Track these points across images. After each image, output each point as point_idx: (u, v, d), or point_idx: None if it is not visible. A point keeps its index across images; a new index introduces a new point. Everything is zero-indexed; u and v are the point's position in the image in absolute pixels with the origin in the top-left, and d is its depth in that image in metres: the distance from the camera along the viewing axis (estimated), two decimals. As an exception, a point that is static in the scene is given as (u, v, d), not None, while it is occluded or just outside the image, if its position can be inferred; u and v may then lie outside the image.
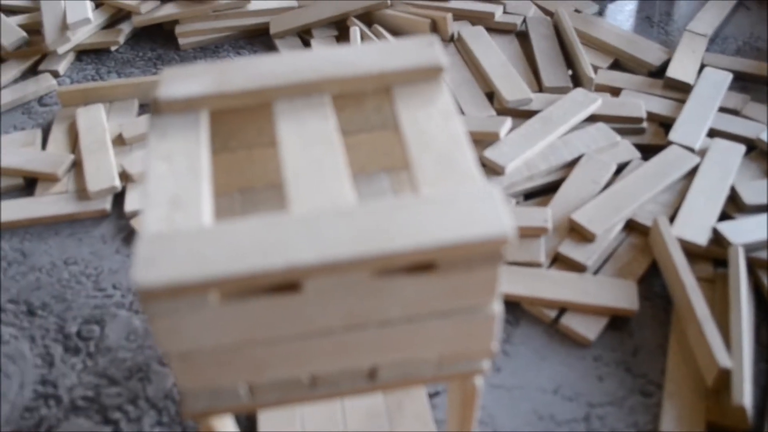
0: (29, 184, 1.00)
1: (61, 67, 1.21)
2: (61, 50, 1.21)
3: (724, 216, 0.89)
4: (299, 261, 0.36)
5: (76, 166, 1.00)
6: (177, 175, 0.43)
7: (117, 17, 1.30)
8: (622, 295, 0.80)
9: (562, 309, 0.80)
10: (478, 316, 0.43)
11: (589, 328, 0.78)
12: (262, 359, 0.42)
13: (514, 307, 0.82)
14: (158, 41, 1.28)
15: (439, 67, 0.50)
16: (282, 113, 0.48)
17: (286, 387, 0.45)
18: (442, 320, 0.42)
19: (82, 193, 0.96)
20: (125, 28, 1.28)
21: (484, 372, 0.47)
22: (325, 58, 0.50)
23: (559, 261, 0.85)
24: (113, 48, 1.26)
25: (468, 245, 0.37)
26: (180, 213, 0.40)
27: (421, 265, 0.39)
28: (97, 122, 1.05)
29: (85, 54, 1.26)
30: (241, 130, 0.54)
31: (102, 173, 0.97)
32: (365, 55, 0.50)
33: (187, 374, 0.42)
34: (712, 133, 1.00)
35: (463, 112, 1.02)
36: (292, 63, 0.50)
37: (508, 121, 0.97)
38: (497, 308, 0.43)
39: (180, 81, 0.49)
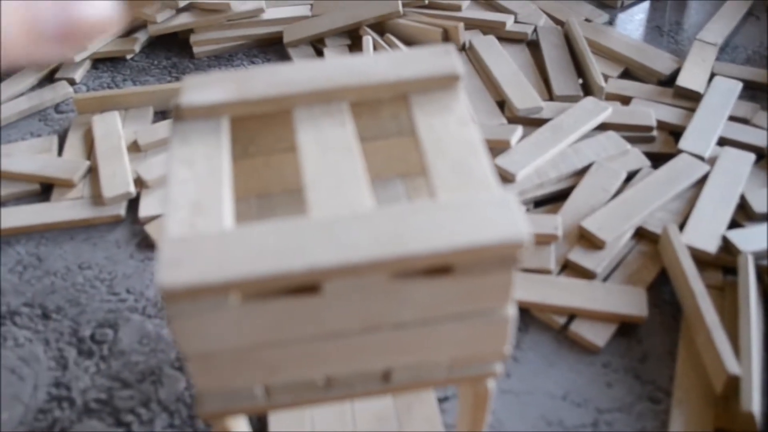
0: (45, 189, 1.01)
1: (78, 75, 1.22)
2: (77, 58, 1.23)
3: (733, 224, 0.89)
4: (319, 263, 0.37)
5: (92, 172, 1.02)
6: (198, 179, 0.44)
7: (133, 26, 1.32)
8: (632, 302, 0.81)
9: (572, 315, 0.81)
10: (492, 319, 0.43)
11: (598, 335, 0.79)
12: (279, 360, 0.43)
13: (524, 313, 0.82)
14: (173, 50, 1.30)
15: (456, 75, 0.50)
16: (301, 120, 0.49)
17: (301, 388, 0.46)
18: (456, 323, 0.43)
19: (97, 198, 0.98)
20: (141, 37, 1.29)
21: (497, 375, 0.48)
22: (343, 67, 0.51)
23: (568, 268, 0.86)
24: (129, 56, 1.27)
25: (484, 249, 0.38)
26: (201, 217, 0.41)
27: (438, 268, 0.40)
28: (112, 129, 1.07)
29: (101, 62, 1.27)
30: (260, 136, 0.55)
31: (117, 179, 0.98)
32: (383, 63, 0.51)
33: (205, 375, 0.43)
34: (722, 142, 1.00)
35: (474, 121, 1.03)
36: (311, 71, 0.51)
37: (519, 129, 0.98)
38: (511, 312, 0.44)
39: (202, 88, 0.50)
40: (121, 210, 0.96)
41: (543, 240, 0.86)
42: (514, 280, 0.41)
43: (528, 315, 0.82)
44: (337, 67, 0.50)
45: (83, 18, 0.35)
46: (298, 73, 0.51)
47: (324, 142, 0.47)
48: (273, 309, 0.39)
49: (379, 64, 0.50)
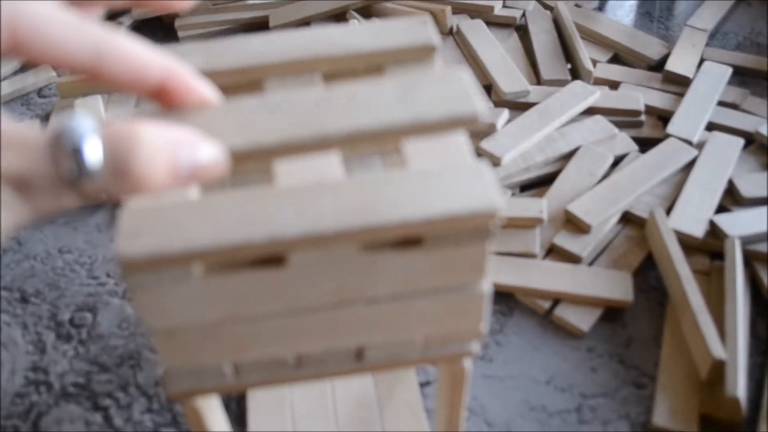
0: (25, 172, 0.99)
1: (60, 58, 1.20)
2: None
3: (721, 209, 0.88)
4: (283, 233, 0.36)
5: (72, 155, 1.00)
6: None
7: (117, 10, 1.30)
8: (617, 287, 0.80)
9: (556, 300, 0.80)
10: (466, 294, 0.42)
11: (582, 320, 0.78)
12: (247, 337, 0.42)
13: (508, 297, 0.81)
14: (158, 34, 1.28)
15: (432, 46, 0.49)
16: (272, 91, 0.47)
17: (272, 367, 0.45)
18: (430, 299, 0.42)
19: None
20: (125, 21, 1.28)
21: (473, 354, 0.47)
22: (317, 37, 0.49)
23: (554, 252, 0.85)
24: (112, 39, 1.25)
25: (455, 219, 0.37)
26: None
27: (409, 239, 0.39)
28: (95, 113, 1.05)
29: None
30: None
31: (97, 162, 0.96)
32: (358, 34, 0.49)
33: (171, 352, 0.42)
34: (711, 127, 0.99)
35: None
36: (284, 42, 0.50)
37: (506, 113, 0.97)
38: (486, 287, 0.42)
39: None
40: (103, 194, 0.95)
41: (528, 224, 0.84)
42: (488, 253, 0.40)
43: (512, 299, 0.81)
44: (311, 37, 0.49)
45: None
46: (271, 44, 0.49)
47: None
48: (238, 281, 0.38)
49: (353, 34, 0.49)
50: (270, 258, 0.38)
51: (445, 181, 0.38)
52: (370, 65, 0.49)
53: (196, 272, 0.37)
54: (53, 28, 0.32)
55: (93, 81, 0.34)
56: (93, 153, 0.29)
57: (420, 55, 0.49)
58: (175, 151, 0.31)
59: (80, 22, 0.33)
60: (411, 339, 0.45)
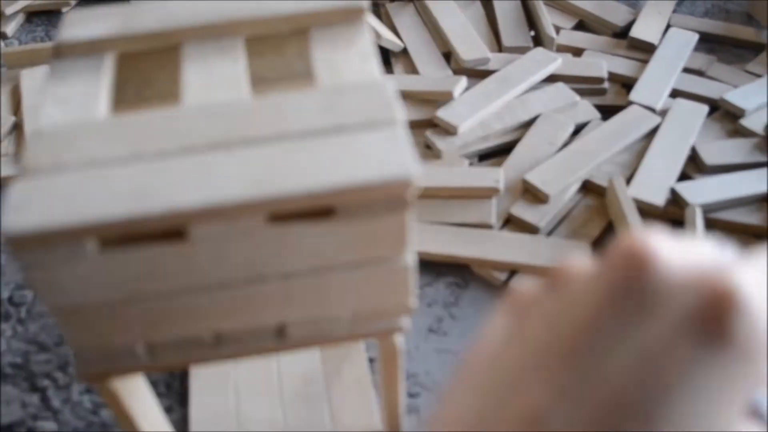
0: (-31, 147, 0.96)
1: (10, 28, 1.16)
2: (9, 11, 1.17)
3: (684, 177, 0.86)
4: (180, 204, 0.33)
5: (18, 129, 0.97)
6: (71, 118, 0.40)
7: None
8: (574, 257, 0.78)
9: (513, 271, 0.78)
10: (389, 268, 0.40)
11: (539, 291, 0.76)
12: (156, 315, 0.39)
13: (463, 269, 0.79)
14: (110, 1, 1.24)
15: (360, 8, 0.47)
16: (189, 56, 0.45)
17: (188, 346, 0.43)
18: (350, 273, 0.40)
19: (22, 156, 0.93)
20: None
21: (403, 330, 0.45)
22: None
23: (511, 223, 0.82)
24: (65, 9, 1.21)
25: (366, 188, 0.34)
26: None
27: (320, 211, 0.36)
28: (41, 84, 1.01)
29: (35, 15, 1.21)
30: (155, 78, 0.50)
31: (43, 135, 0.93)
32: (281, -6, 0.47)
33: (76, 332, 0.39)
34: (676, 94, 0.97)
35: (418, 73, 0.99)
36: (204, 4, 0.47)
37: (463, 81, 0.94)
38: (410, 260, 0.40)
39: (84, 23, 0.46)
40: (49, 168, 0.92)
41: (484, 194, 0.82)
42: (409, 224, 0.38)
43: (467, 271, 0.79)
44: (232, -1, 0.46)
45: None
46: (190, 6, 0.47)
47: (212, 79, 0.43)
48: (137, 257, 0.36)
49: (276, -6, 0.46)
50: (170, 232, 0.35)
51: (358, 148, 0.36)
52: (296, 29, 0.47)
53: (90, 248, 0.35)
54: None
55: None
56: None
57: (348, 17, 0.47)
58: None
59: None
60: (336, 315, 0.43)
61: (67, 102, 0.42)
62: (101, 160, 0.36)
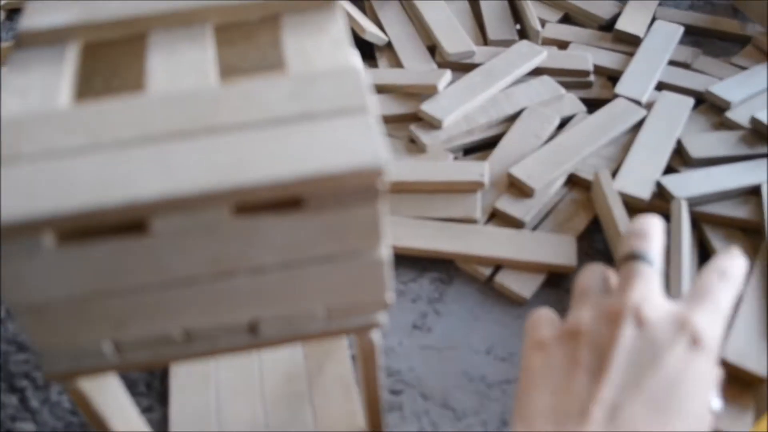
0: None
1: (-12, 25, 1.15)
2: (-13, 8, 1.16)
3: (670, 170, 0.85)
4: (140, 196, 0.32)
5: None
6: (30, 109, 0.39)
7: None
8: (561, 252, 0.77)
9: (498, 266, 0.77)
10: (362, 262, 0.39)
11: (524, 286, 0.75)
12: (121, 312, 0.38)
13: (448, 264, 0.78)
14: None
15: (332, -6, 0.45)
16: (156, 44, 0.43)
17: (158, 344, 0.41)
18: (322, 267, 0.39)
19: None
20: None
21: (379, 326, 0.43)
22: (206, -15, 0.45)
23: (496, 217, 0.81)
24: (44, 6, 1.20)
25: (334, 177, 0.33)
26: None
27: (289, 201, 0.35)
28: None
29: (16, 12, 1.20)
30: (124, 69, 0.49)
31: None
32: (250, -20, 0.45)
33: (40, 330, 0.38)
34: (661, 86, 0.96)
35: (403, 66, 0.98)
36: (172, -9, 0.46)
37: (448, 74, 0.93)
38: (384, 254, 0.39)
39: (46, 11, 0.45)
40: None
41: (468, 188, 0.81)
42: (381, 215, 0.36)
43: (452, 266, 0.78)
44: (199, -16, 0.45)
45: None
46: (158, -6, 0.45)
47: (176, 67, 0.41)
48: (98, 252, 0.34)
49: (245, -20, 0.45)
50: (132, 225, 0.34)
51: (326, 136, 0.34)
52: (266, 15, 0.46)
53: (47, 242, 0.33)
54: None
55: None
56: None
57: (320, 3, 0.45)
58: None
59: None
60: (310, 311, 0.42)
61: (27, 92, 0.40)
62: (59, 150, 0.35)
